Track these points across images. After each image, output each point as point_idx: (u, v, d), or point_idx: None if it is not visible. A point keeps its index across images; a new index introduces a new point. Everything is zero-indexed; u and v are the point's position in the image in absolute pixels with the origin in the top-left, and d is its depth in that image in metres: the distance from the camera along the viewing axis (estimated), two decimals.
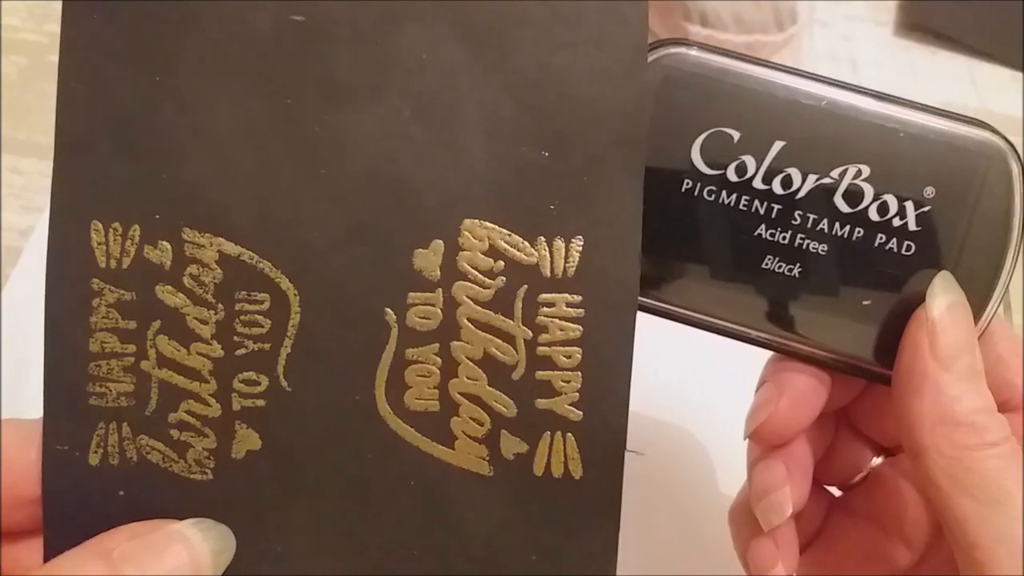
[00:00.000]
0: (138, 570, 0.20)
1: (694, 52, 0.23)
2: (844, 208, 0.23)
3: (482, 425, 0.22)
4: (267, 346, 0.22)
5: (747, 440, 0.26)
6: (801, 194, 0.23)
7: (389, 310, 0.22)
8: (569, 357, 0.22)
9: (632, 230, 0.22)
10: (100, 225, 0.22)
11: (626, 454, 0.23)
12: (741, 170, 0.23)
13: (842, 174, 0.22)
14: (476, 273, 0.22)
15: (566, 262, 0.22)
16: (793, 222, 0.23)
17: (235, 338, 0.22)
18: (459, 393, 0.22)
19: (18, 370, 0.36)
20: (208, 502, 0.22)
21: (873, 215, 0.23)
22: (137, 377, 0.22)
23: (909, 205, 0.23)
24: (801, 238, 0.23)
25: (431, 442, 0.22)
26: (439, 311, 0.22)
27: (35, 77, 0.48)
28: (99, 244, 0.22)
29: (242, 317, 0.22)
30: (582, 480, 0.22)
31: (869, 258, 0.23)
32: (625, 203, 0.22)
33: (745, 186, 0.23)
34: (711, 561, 0.33)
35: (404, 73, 0.21)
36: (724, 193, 0.23)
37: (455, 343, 0.22)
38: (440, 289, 0.22)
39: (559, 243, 0.22)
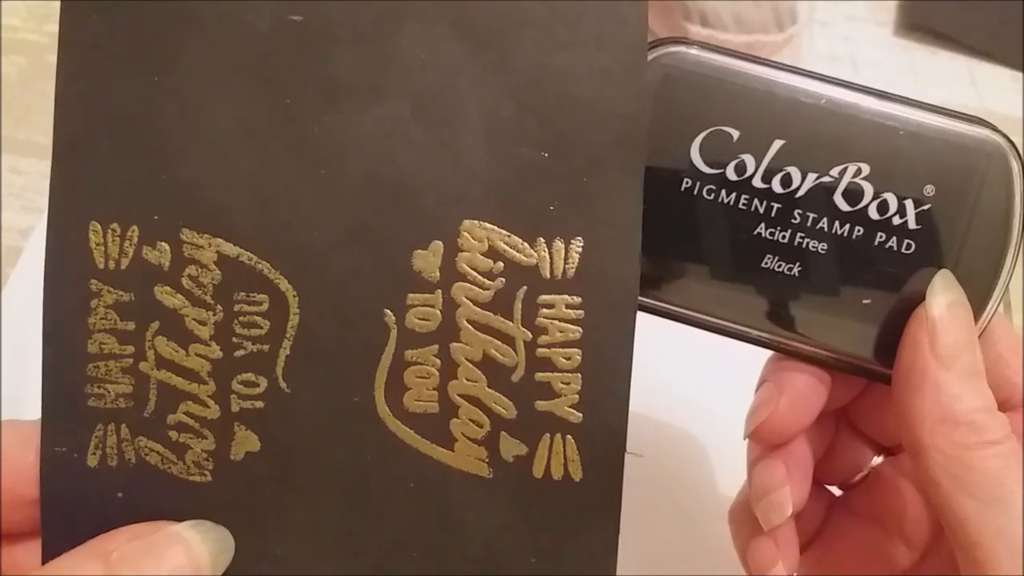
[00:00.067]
0: (137, 572, 0.20)
1: (693, 51, 0.23)
2: (844, 207, 0.23)
3: (481, 427, 0.22)
4: (266, 347, 0.22)
5: (747, 440, 0.26)
6: (801, 193, 0.23)
7: (388, 311, 0.22)
8: (569, 359, 0.22)
9: (632, 231, 0.22)
10: (99, 226, 0.22)
11: (626, 456, 0.22)
12: (740, 169, 0.23)
13: (842, 172, 0.22)
14: (475, 274, 0.22)
15: (566, 263, 0.22)
16: (793, 221, 0.23)
17: (234, 339, 0.22)
18: (458, 395, 0.22)
19: (18, 370, 0.36)
20: (207, 504, 0.22)
21: (873, 213, 0.23)
22: (136, 378, 0.22)
23: (909, 203, 0.22)
24: (801, 237, 0.23)
25: (430, 444, 0.22)
26: (438, 312, 0.22)
27: (35, 77, 0.48)
28: (97, 245, 0.22)
29: (241, 318, 0.22)
30: (582, 482, 0.22)
31: (869, 257, 0.23)
32: (625, 204, 0.22)
33: (744, 185, 0.23)
34: (711, 561, 0.33)
35: (404, 73, 0.21)
36: (723, 192, 0.23)
37: (454, 344, 0.22)
38: (439, 290, 0.22)
39: (559, 244, 0.22)
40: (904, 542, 0.27)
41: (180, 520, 0.22)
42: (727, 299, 0.23)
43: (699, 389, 0.38)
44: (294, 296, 0.22)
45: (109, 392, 0.22)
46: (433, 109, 0.22)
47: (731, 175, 0.23)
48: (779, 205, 0.23)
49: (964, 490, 0.21)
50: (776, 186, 0.23)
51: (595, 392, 0.22)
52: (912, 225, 0.23)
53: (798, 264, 0.23)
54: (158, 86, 0.21)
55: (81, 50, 0.21)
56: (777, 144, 0.22)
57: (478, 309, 0.22)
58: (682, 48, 0.23)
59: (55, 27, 0.21)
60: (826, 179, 0.22)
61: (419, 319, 0.22)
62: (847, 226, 0.23)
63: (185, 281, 0.22)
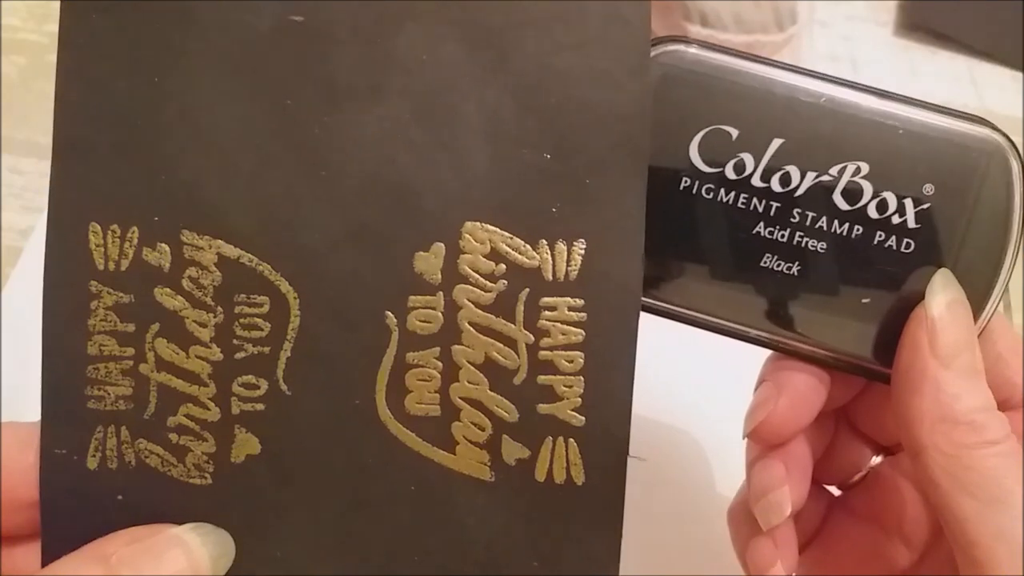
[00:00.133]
0: (137, 574, 0.20)
1: (692, 50, 0.22)
2: (843, 206, 0.23)
3: (483, 430, 0.22)
4: (267, 349, 0.22)
5: (745, 439, 0.26)
6: (800, 192, 0.23)
7: (389, 313, 0.22)
8: (571, 361, 0.22)
9: (635, 233, 0.22)
10: (98, 227, 0.22)
11: (629, 459, 0.22)
12: (739, 168, 0.23)
13: (841, 171, 0.22)
14: (477, 276, 0.22)
15: (568, 265, 0.22)
16: (792, 220, 0.23)
17: (234, 341, 0.22)
18: (460, 398, 0.22)
19: (18, 371, 0.36)
20: (207, 506, 0.22)
21: (872, 212, 0.23)
22: (136, 380, 0.22)
23: (908, 202, 0.22)
24: (800, 236, 0.23)
25: (432, 447, 0.22)
26: (440, 315, 0.22)
27: (35, 77, 0.48)
28: (97, 246, 0.22)
29: (241, 320, 0.22)
30: (584, 486, 0.22)
31: (868, 256, 0.23)
32: (628, 205, 0.22)
33: (743, 184, 0.23)
34: (710, 561, 0.33)
35: (404, 74, 0.21)
36: (722, 191, 0.23)
37: (456, 347, 0.22)
38: (441, 292, 0.22)
39: (561, 246, 0.22)
40: (903, 542, 0.27)
41: (180, 523, 0.22)
42: (726, 298, 0.23)
43: (697, 388, 0.38)
44: (295, 298, 0.22)
45: (109, 394, 0.22)
46: (434, 110, 0.21)
47: (730, 174, 0.23)
48: (778, 204, 0.23)
49: (963, 490, 0.21)
50: (775, 185, 0.23)
51: (598, 395, 0.22)
52: (911, 224, 0.23)
53: (797, 263, 0.23)
54: (158, 86, 0.21)
55: (81, 50, 0.21)
56: (776, 143, 0.22)
57: (480, 311, 0.22)
58: (681, 47, 0.22)
59: (55, 27, 0.21)
60: (825, 178, 0.22)
61: (420, 321, 0.22)
62: (846, 225, 0.23)
63: (185, 283, 0.22)
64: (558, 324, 0.22)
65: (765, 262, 0.23)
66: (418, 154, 0.22)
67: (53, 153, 0.21)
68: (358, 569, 0.23)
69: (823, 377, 0.24)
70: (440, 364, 0.22)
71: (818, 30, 0.55)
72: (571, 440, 0.22)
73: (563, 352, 0.22)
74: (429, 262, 0.22)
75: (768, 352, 0.25)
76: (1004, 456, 0.21)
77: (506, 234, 0.22)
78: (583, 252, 0.22)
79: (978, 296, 0.23)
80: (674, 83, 0.22)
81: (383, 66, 0.21)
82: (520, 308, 0.22)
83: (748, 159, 0.22)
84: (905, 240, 0.23)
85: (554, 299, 0.22)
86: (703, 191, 0.23)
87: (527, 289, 0.22)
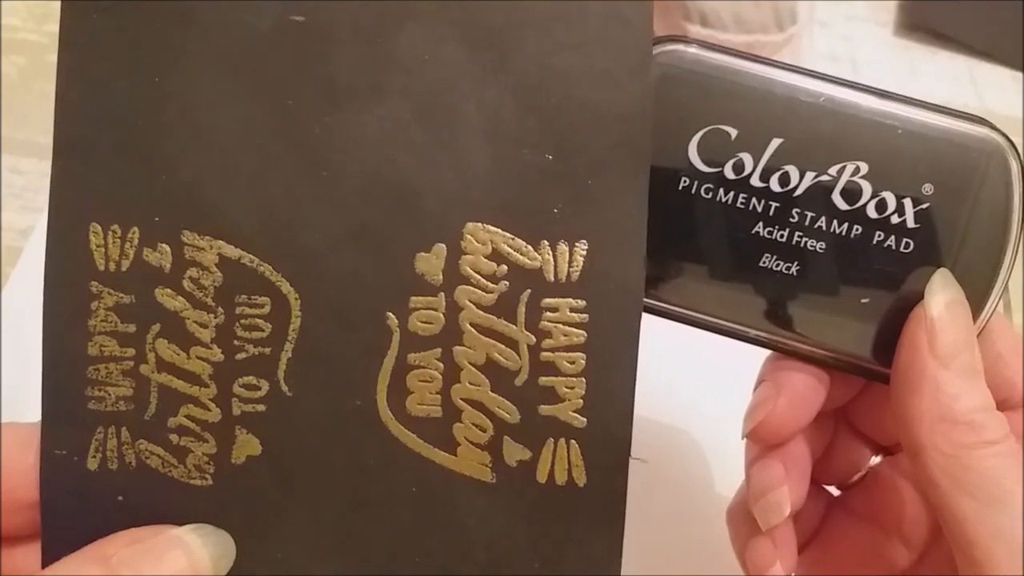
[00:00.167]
0: (137, 575, 0.20)
1: (691, 49, 0.22)
2: (842, 205, 0.23)
3: (485, 431, 0.22)
4: (267, 350, 0.22)
5: (745, 439, 0.26)
6: (799, 192, 0.23)
7: (391, 314, 0.22)
8: (573, 363, 0.22)
9: (637, 234, 0.22)
10: (99, 227, 0.22)
11: (631, 461, 0.22)
12: (738, 168, 0.23)
13: (840, 171, 0.22)
14: (479, 277, 0.22)
15: (570, 266, 0.22)
16: (791, 220, 0.23)
17: (235, 342, 0.22)
18: (461, 399, 0.22)
19: (18, 371, 0.36)
20: (208, 507, 0.22)
21: (871, 212, 0.23)
22: (136, 381, 0.22)
23: (907, 202, 0.22)
24: (799, 236, 0.23)
25: (433, 448, 0.22)
26: (441, 315, 0.22)
27: (35, 77, 0.48)
28: (98, 246, 0.22)
29: (242, 321, 0.22)
30: (586, 487, 0.22)
31: (867, 256, 0.23)
32: (629, 206, 0.22)
33: (742, 184, 0.23)
34: (709, 561, 0.33)
35: (405, 74, 0.21)
36: (721, 191, 0.23)
37: (457, 348, 0.22)
38: (442, 293, 0.22)
39: (563, 247, 0.22)
40: (903, 542, 0.27)
41: (181, 524, 0.22)
42: (725, 298, 0.23)
43: (696, 388, 0.38)
44: (296, 299, 0.22)
45: (109, 395, 0.22)
46: (434, 110, 0.21)
47: (729, 174, 0.23)
48: (777, 204, 0.23)
49: (962, 490, 0.21)
50: (774, 185, 0.23)
51: (599, 396, 0.22)
52: (911, 224, 0.23)
53: (796, 263, 0.23)
54: (159, 86, 0.21)
55: (81, 50, 0.21)
56: (775, 143, 0.22)
57: (481, 312, 0.22)
58: (680, 47, 0.22)
59: (55, 27, 0.21)
60: (824, 178, 0.22)
61: (422, 322, 0.22)
62: (845, 225, 0.23)
63: (186, 283, 0.22)
64: (560, 325, 0.22)
65: (764, 262, 0.23)
66: (419, 154, 0.22)
67: (53, 153, 0.21)
68: (358, 570, 0.23)
69: (822, 377, 0.24)
70: (441, 365, 0.22)
71: (818, 30, 0.55)
72: (572, 442, 0.22)
73: (565, 353, 0.22)
74: (430, 263, 0.22)
75: (767, 352, 0.25)
76: (1003, 456, 0.21)
77: (508, 235, 0.22)
78: (585, 253, 0.22)
79: (977, 296, 0.23)
80: (673, 83, 0.22)
81: (384, 66, 0.21)
82: (521, 309, 0.22)
83: (747, 159, 0.22)
84: (904, 240, 0.23)
85: (556, 300, 0.22)
86: (702, 191, 0.23)
87: (529, 290, 0.22)
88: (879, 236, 0.23)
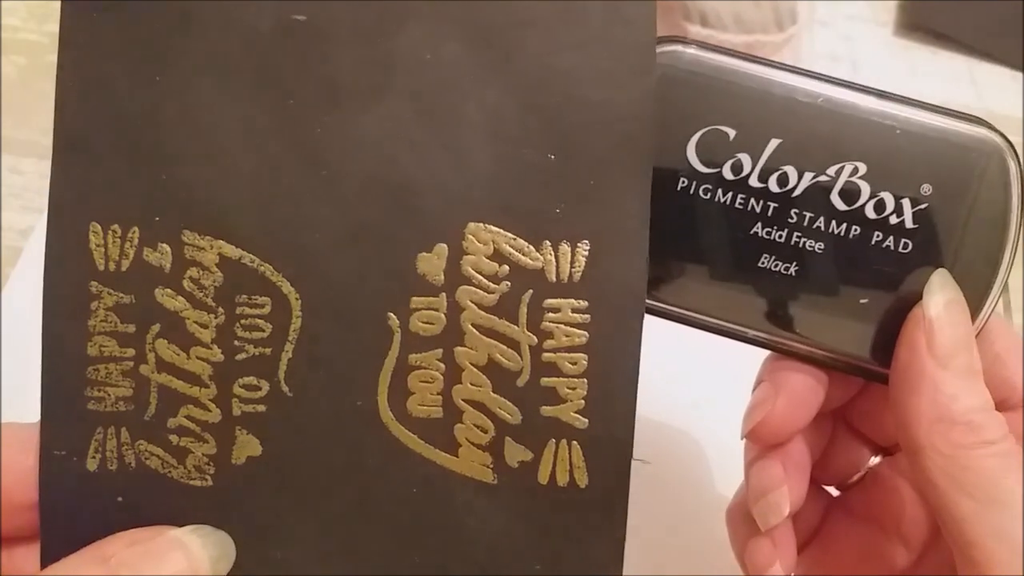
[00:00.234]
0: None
1: (690, 50, 0.22)
2: (840, 206, 0.23)
3: (486, 432, 0.22)
4: (268, 351, 0.22)
5: (744, 440, 0.26)
6: (797, 192, 0.23)
7: (392, 315, 0.22)
8: (575, 363, 0.22)
9: (639, 234, 0.22)
10: (99, 227, 0.21)
11: (632, 462, 0.22)
12: (737, 168, 0.23)
13: (838, 172, 0.22)
14: (480, 277, 0.22)
15: (572, 267, 0.22)
16: (789, 220, 0.23)
17: (236, 342, 0.22)
18: (463, 399, 0.22)
19: (18, 371, 0.36)
20: (208, 508, 0.22)
21: (870, 213, 0.23)
22: (136, 381, 0.22)
23: (906, 203, 0.22)
24: (798, 236, 0.23)
25: (434, 449, 0.22)
26: (443, 316, 0.22)
27: (35, 77, 0.48)
28: (98, 246, 0.22)
29: (243, 321, 0.22)
30: (587, 489, 0.22)
31: (866, 256, 0.23)
32: (631, 206, 0.22)
33: (741, 184, 0.23)
34: (709, 561, 0.33)
35: (406, 73, 0.21)
36: (720, 191, 0.23)
37: (459, 348, 0.22)
38: (444, 293, 0.22)
39: (565, 247, 0.22)
40: (902, 542, 0.27)
41: (181, 525, 0.22)
42: (723, 299, 0.23)
43: (696, 389, 0.38)
44: (296, 299, 0.22)
45: (109, 395, 0.22)
46: (435, 109, 0.21)
47: (727, 174, 0.23)
48: (776, 204, 0.23)
49: (961, 490, 0.21)
50: (773, 185, 0.23)
51: (601, 397, 0.22)
52: (909, 224, 0.23)
53: (795, 263, 0.23)
54: (158, 86, 0.21)
55: (81, 50, 0.21)
56: (774, 143, 0.22)
57: (483, 313, 0.22)
58: (678, 47, 0.22)
59: (55, 27, 0.21)
60: (823, 178, 0.22)
61: (423, 323, 0.22)
62: (844, 225, 0.23)
63: (186, 283, 0.22)
64: (561, 326, 0.22)
65: (763, 262, 0.23)
66: (420, 154, 0.22)
67: (53, 152, 0.21)
68: (358, 570, 0.23)
69: (821, 377, 0.25)
70: (442, 366, 0.22)
71: (818, 30, 0.55)
72: (574, 443, 0.22)
73: (566, 354, 0.22)
74: (432, 263, 0.22)
75: (767, 352, 0.25)
76: (1002, 456, 0.21)
77: (509, 235, 0.22)
78: (587, 253, 0.22)
79: (976, 296, 0.23)
80: (672, 83, 0.22)
81: (385, 65, 0.21)
82: (523, 310, 0.22)
83: (746, 159, 0.22)
84: (903, 240, 0.23)
85: (558, 300, 0.22)
86: (700, 191, 0.23)
87: (530, 290, 0.22)
88: (878, 236, 0.23)
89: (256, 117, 0.21)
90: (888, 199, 0.22)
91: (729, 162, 0.23)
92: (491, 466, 0.22)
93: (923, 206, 0.22)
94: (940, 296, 0.22)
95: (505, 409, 0.22)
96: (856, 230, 0.23)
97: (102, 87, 0.21)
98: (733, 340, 0.24)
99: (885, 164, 0.22)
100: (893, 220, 0.23)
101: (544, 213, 0.22)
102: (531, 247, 0.22)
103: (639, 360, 0.22)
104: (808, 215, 0.23)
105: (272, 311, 0.22)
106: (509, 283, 0.22)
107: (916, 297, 0.23)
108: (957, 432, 0.21)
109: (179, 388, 0.22)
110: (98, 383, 0.22)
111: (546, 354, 0.22)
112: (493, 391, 0.22)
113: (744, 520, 0.27)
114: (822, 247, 0.23)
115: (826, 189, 0.23)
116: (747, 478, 0.27)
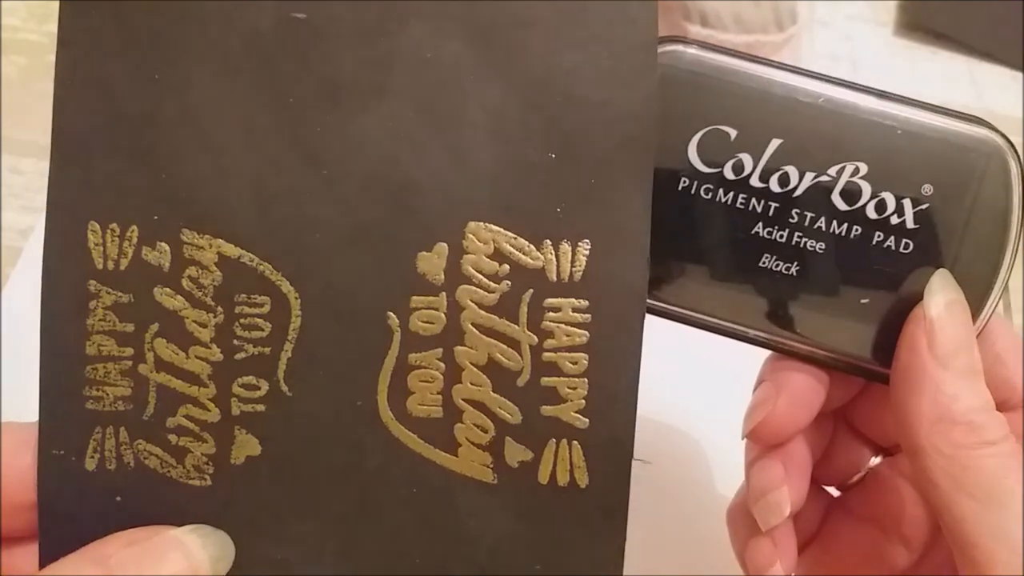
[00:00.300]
0: None
1: (691, 50, 0.22)
2: (842, 206, 0.23)
3: (486, 432, 0.22)
4: (267, 350, 0.22)
5: (745, 440, 0.26)
6: (798, 192, 0.23)
7: (392, 314, 0.22)
8: (575, 363, 0.22)
9: (640, 234, 0.22)
10: (97, 226, 0.21)
11: (633, 462, 0.22)
12: (738, 168, 0.23)
13: (839, 172, 0.22)
14: (481, 277, 0.22)
15: (573, 266, 0.22)
16: (791, 220, 0.23)
17: (235, 342, 0.22)
18: (463, 399, 0.22)
19: (18, 370, 0.36)
20: (207, 508, 0.22)
21: (871, 213, 0.23)
22: (135, 381, 0.22)
23: (907, 203, 0.22)
24: (799, 236, 0.23)
25: (434, 449, 0.22)
26: (443, 315, 0.22)
27: (35, 77, 0.48)
28: (96, 245, 0.21)
29: (242, 320, 0.22)
30: (588, 489, 0.22)
31: (867, 256, 0.23)
32: (633, 206, 0.22)
33: (742, 184, 0.23)
34: (709, 561, 0.33)
35: (407, 73, 0.21)
36: (721, 191, 0.23)
37: (459, 348, 0.22)
38: (444, 293, 0.22)
39: (566, 247, 0.22)
40: (902, 542, 0.27)
41: (180, 524, 0.22)
42: (725, 299, 0.23)
43: (697, 389, 0.38)
44: (296, 298, 0.22)
45: (107, 394, 0.22)
46: (437, 109, 0.21)
47: (728, 174, 0.23)
48: (777, 204, 0.23)
49: (962, 490, 0.21)
50: (774, 185, 0.23)
51: (602, 397, 0.22)
52: (910, 224, 0.23)
53: (796, 263, 0.23)
54: (158, 85, 0.21)
55: (81, 49, 0.21)
56: (775, 143, 0.22)
57: (483, 312, 0.22)
58: (679, 47, 0.22)
59: (55, 27, 0.21)
60: (824, 178, 0.22)
61: (423, 322, 0.22)
62: (845, 225, 0.23)
63: (185, 282, 0.22)
64: (562, 325, 0.22)
65: (764, 262, 0.23)
66: (421, 153, 0.21)
67: (52, 152, 0.21)
68: (358, 571, 0.22)
69: (822, 377, 0.24)
70: (442, 365, 0.22)
71: (818, 30, 0.55)
72: (575, 443, 0.22)
73: (567, 354, 0.22)
74: (432, 262, 0.22)
75: (767, 352, 0.25)
76: (1003, 456, 0.21)
77: (510, 234, 0.22)
78: (587, 253, 0.22)
79: (977, 297, 0.23)
80: (672, 83, 0.22)
81: (386, 64, 0.21)
82: (524, 309, 0.22)
83: (747, 159, 0.22)
84: (904, 240, 0.23)
85: (558, 300, 0.22)
86: (702, 191, 0.23)
87: (531, 290, 0.22)
88: (878, 236, 0.23)
89: (256, 116, 0.21)
90: (889, 199, 0.22)
91: (730, 162, 0.23)
92: (491, 466, 0.22)
93: (924, 206, 0.22)
94: (941, 296, 0.22)
95: (505, 409, 0.22)
96: (857, 230, 0.23)
97: (101, 86, 0.21)
98: (734, 340, 0.24)
99: (886, 164, 0.22)
100: (894, 220, 0.23)
101: (545, 212, 0.22)
102: (532, 246, 0.22)
103: (640, 360, 0.22)
104: (809, 215, 0.23)
105: (271, 310, 0.22)
106: (509, 282, 0.22)
107: (917, 297, 0.23)
108: (958, 432, 0.21)
109: (178, 387, 0.22)
110: (97, 382, 0.22)
111: (546, 354, 0.22)
112: (493, 391, 0.22)
113: (745, 520, 0.27)
114: (823, 247, 0.23)
115: (827, 189, 0.22)
116: (748, 478, 0.27)
